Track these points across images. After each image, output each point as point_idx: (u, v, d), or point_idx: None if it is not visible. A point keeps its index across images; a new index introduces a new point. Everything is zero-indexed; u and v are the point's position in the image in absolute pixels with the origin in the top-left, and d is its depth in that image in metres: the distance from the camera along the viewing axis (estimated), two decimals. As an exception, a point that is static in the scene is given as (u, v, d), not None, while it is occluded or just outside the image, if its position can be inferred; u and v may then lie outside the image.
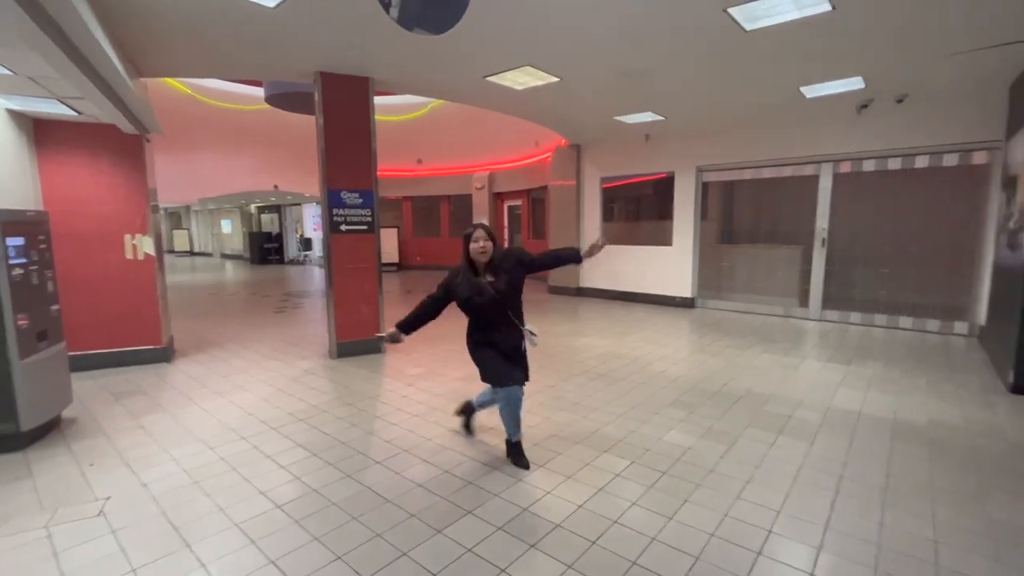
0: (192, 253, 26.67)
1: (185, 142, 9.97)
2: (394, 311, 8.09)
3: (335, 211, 5.03)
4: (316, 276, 14.07)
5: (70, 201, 4.54)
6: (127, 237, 4.80)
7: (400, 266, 15.16)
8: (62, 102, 3.83)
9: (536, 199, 12.29)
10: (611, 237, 9.33)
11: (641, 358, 5.05)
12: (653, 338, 5.91)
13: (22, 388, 3.02)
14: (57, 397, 3.38)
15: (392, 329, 2.90)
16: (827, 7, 3.43)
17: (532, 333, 2.80)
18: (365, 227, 5.20)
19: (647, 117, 6.82)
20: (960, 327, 6.01)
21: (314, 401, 3.94)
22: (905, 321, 6.37)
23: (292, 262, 19.15)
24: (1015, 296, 4.05)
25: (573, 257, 2.81)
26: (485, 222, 2.95)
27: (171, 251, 26.73)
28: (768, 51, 4.27)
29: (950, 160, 5.89)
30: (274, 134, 9.57)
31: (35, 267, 3.17)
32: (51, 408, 3.30)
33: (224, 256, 23.07)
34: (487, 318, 2.75)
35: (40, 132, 4.40)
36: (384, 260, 13.11)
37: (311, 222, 19.35)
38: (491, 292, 2.66)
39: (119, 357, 4.86)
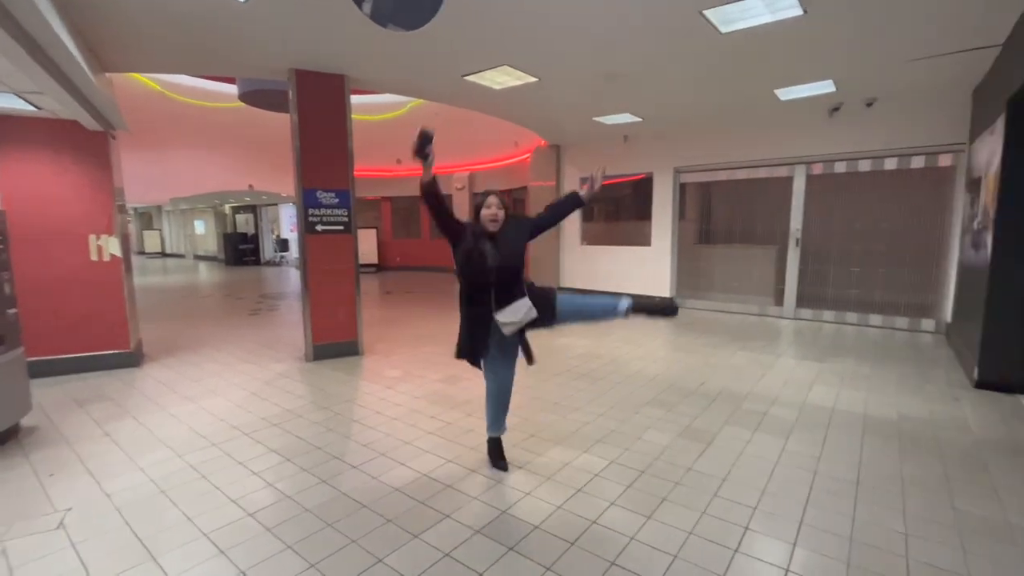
0: (164, 254, 25.94)
1: (155, 140, 9.68)
2: (372, 312, 8.06)
3: (311, 211, 4.93)
4: (293, 277, 13.82)
5: (31, 200, 4.35)
6: (92, 238, 4.63)
7: (379, 267, 14.99)
8: (20, 96, 3.67)
9: (516, 199, 12.26)
10: (591, 238, 9.40)
11: (620, 358, 5.08)
12: (632, 338, 5.95)
13: (-24, 396, 2.88)
14: (14, 405, 3.23)
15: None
16: (799, 11, 3.50)
17: (504, 323, 2.48)
18: (342, 227, 5.11)
19: (625, 118, 6.88)
20: (927, 324, 6.19)
21: (289, 405, 3.85)
22: (875, 319, 6.54)
23: (268, 263, 18.77)
24: (979, 294, 4.19)
25: (576, 202, 2.64)
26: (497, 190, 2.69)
27: (142, 253, 25.91)
28: (743, 53, 4.34)
29: (917, 162, 6.07)
30: (249, 132, 9.37)
31: (-10, 269, 3.03)
32: (8, 417, 3.15)
33: (197, 257, 22.50)
34: (476, 284, 2.49)
35: (-3, 128, 4.21)
36: (363, 261, 12.99)
37: (287, 223, 19.00)
38: (489, 256, 2.43)
39: (84, 362, 4.68)
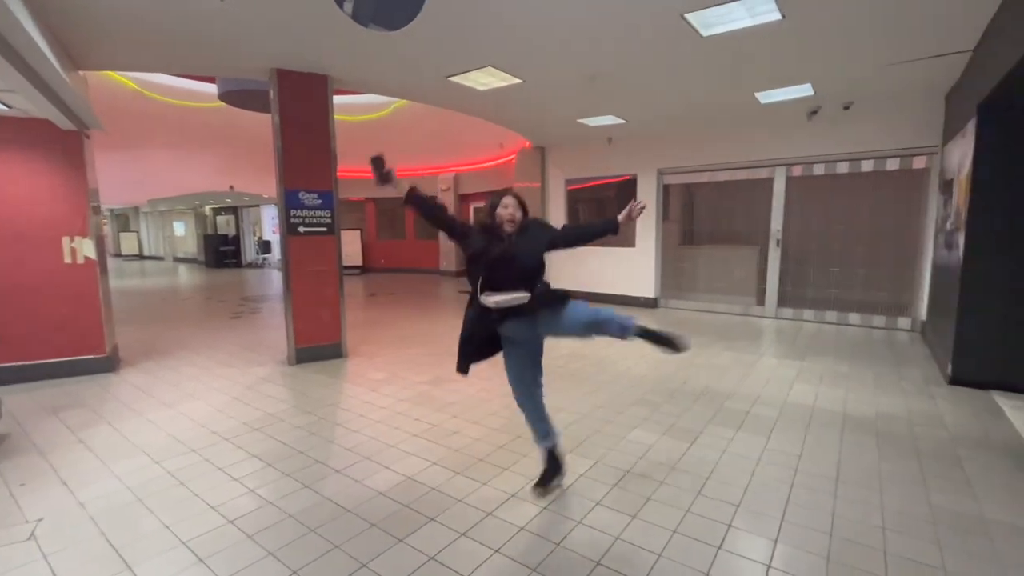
0: (142, 257, 25.35)
1: (132, 140, 9.46)
2: (357, 314, 7.98)
3: (292, 212, 4.87)
4: (275, 279, 13.62)
5: (1, 201, 4.23)
6: (66, 240, 4.51)
7: (364, 269, 14.86)
8: (-11, 95, 3.57)
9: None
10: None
11: (606, 358, 5.10)
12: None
13: (-58, 404, 2.78)
14: (-16, 412, 3.13)
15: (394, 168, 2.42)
16: (777, 16, 3.56)
17: (489, 301, 2.30)
18: (324, 229, 5.05)
19: (609, 120, 6.92)
20: (903, 323, 6.34)
21: (271, 409, 3.79)
22: (854, 318, 6.68)
23: (250, 265, 18.47)
24: (952, 293, 4.30)
25: (609, 228, 2.45)
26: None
27: (118, 255, 25.33)
28: (725, 57, 4.39)
29: (893, 164, 6.22)
30: (229, 133, 9.20)
31: (-43, 272, 2.93)
32: (-23, 425, 3.06)
33: (177, 260, 22.05)
34: (494, 279, 2.31)
35: (-35, 127, 4.08)
36: (347, 263, 12.89)
37: (270, 224, 18.72)
38: (508, 247, 2.32)
39: (57, 368, 4.54)
